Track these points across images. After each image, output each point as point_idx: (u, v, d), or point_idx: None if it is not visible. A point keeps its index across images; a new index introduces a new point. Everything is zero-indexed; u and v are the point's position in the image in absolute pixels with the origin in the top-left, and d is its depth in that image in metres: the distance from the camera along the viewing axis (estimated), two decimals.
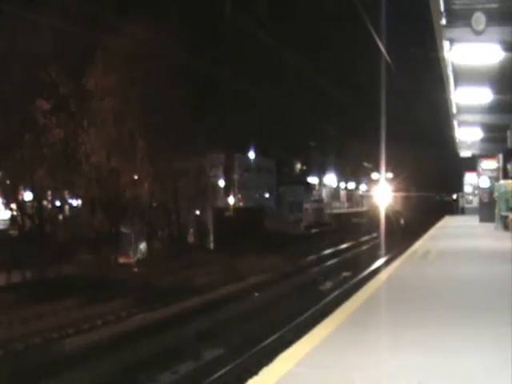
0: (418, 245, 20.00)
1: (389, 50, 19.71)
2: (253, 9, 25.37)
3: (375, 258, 25.85)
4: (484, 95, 17.53)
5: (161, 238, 27.44)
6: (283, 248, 28.31)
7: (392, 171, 56.79)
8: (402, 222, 50.54)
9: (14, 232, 24.79)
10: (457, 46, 12.28)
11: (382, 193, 47.68)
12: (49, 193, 23.75)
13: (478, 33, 11.07)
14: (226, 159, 42.70)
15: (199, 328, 12.80)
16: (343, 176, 75.17)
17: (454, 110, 21.11)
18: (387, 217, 39.22)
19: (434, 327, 7.11)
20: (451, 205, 68.99)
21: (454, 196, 77.33)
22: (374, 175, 60.29)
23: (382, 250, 26.94)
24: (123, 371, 9.98)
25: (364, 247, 33.56)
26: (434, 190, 73.23)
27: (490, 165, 33.65)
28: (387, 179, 53.57)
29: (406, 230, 40.48)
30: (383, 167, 40.92)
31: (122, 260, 24.11)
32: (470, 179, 42.44)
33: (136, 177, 24.05)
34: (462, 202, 49.91)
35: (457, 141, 30.91)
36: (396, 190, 56.37)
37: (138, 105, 22.43)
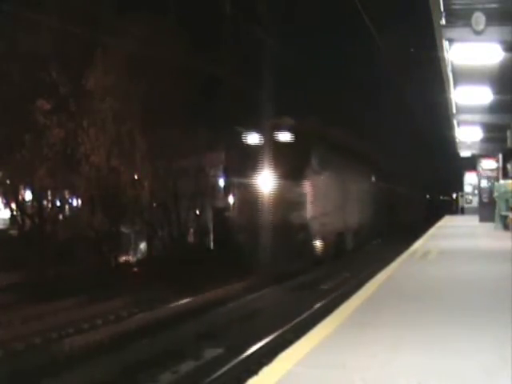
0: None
1: (388, 50, 19.75)
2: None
3: None
4: (484, 95, 17.56)
5: (161, 237, 27.44)
6: None
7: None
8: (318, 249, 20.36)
9: (14, 232, 24.80)
10: (456, 46, 12.31)
11: (268, 181, 20.00)
12: (49, 193, 23.75)
13: (477, 33, 11.09)
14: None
15: (198, 328, 12.80)
16: None
17: (454, 110, 21.15)
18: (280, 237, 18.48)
19: (434, 327, 7.11)
20: (450, 205, 67.95)
21: (448, 196, 75.99)
22: (252, 138, 21.67)
23: None
24: (122, 371, 9.98)
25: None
26: (424, 187, 56.87)
27: (489, 164, 33.68)
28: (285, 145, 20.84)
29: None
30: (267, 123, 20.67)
31: (122, 260, 24.14)
32: (469, 179, 42.46)
33: (136, 176, 24.07)
34: (461, 202, 49.90)
35: (457, 141, 30.95)
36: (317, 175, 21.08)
37: (137, 104, 22.44)
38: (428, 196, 61.81)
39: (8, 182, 22.92)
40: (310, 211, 19.89)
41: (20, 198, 23.67)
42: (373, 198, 29.25)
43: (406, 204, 43.07)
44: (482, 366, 5.48)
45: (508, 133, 22.89)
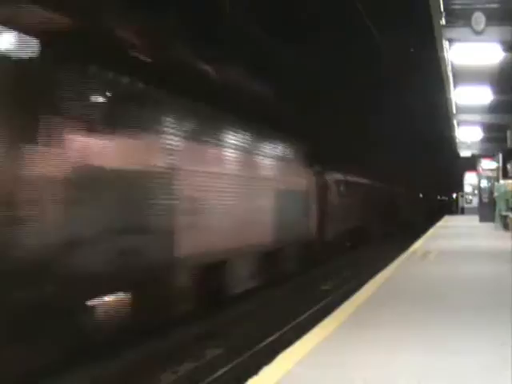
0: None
1: (388, 50, 19.77)
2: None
3: None
4: (484, 95, 17.58)
5: None
6: None
7: None
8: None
9: None
10: (456, 46, 12.33)
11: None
12: None
13: (477, 33, 11.10)
14: None
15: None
16: None
17: (454, 110, 21.17)
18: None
19: (434, 327, 7.10)
20: (449, 205, 67.75)
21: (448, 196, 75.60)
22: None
23: None
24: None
25: None
26: (424, 187, 52.89)
27: (489, 164, 33.73)
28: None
29: None
30: None
31: None
32: (469, 179, 42.51)
33: None
34: (461, 202, 49.91)
35: (457, 141, 30.98)
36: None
37: None
38: (427, 196, 61.28)
39: None
40: (79, 222, 7.53)
41: None
42: (314, 198, 18.65)
43: (399, 205, 38.49)
44: (483, 366, 5.47)
45: (508, 133, 22.89)
